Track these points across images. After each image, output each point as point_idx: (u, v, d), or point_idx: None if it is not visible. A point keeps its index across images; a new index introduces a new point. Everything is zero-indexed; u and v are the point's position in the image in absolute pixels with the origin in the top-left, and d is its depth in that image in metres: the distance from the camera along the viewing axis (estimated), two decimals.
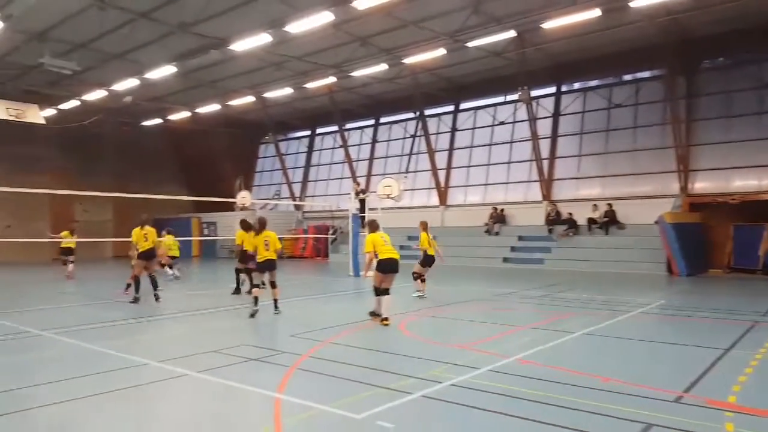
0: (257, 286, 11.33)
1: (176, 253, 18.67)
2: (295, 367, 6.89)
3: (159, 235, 14.85)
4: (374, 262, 10.28)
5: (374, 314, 10.27)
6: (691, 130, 21.93)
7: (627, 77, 24.38)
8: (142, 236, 13.08)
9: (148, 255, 13.21)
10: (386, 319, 9.90)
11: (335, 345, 8.29)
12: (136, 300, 12.87)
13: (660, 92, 22.80)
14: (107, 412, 5.50)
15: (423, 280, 13.61)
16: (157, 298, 12.94)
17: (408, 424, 5.04)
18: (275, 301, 11.28)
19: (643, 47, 21.57)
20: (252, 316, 10.84)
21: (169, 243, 19.07)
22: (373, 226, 10.66)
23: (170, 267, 18.42)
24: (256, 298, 11.10)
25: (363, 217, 20.44)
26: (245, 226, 14.12)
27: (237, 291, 14.33)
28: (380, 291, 10.08)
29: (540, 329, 9.34)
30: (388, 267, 10.13)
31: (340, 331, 9.44)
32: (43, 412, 5.47)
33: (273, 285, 11.35)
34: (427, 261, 13.52)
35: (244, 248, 13.74)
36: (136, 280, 13.04)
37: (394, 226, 26.73)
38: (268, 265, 11.22)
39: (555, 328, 9.39)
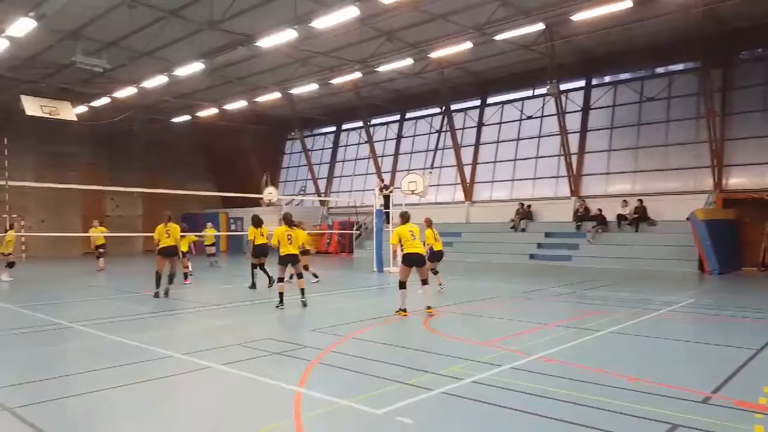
0: (281, 280, 11.41)
1: (185, 248, 17.54)
2: (317, 362, 6.90)
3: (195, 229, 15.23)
4: (399, 256, 10.37)
5: (400, 311, 10.30)
6: (726, 124, 21.43)
7: (660, 70, 23.89)
8: (165, 233, 13.15)
9: (169, 252, 13.24)
10: (430, 308, 10.37)
11: (357, 340, 8.28)
12: (156, 295, 12.94)
13: (694, 85, 22.31)
14: (133, 403, 5.58)
15: (436, 272, 13.71)
16: (166, 293, 13.03)
17: (428, 420, 5.00)
18: (302, 290, 11.48)
19: (677, 39, 21.12)
20: (278, 308, 11.06)
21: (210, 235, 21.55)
22: (405, 218, 10.76)
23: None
24: (281, 295, 11.22)
25: (387, 213, 20.45)
26: (256, 222, 14.35)
27: (253, 286, 14.57)
28: (405, 285, 10.28)
29: (565, 327, 9.19)
30: (412, 261, 10.30)
31: (362, 326, 9.43)
32: (77, 401, 5.59)
33: (299, 276, 11.58)
34: (435, 256, 13.61)
35: (255, 243, 14.28)
36: (158, 276, 13.07)
37: (418, 222, 26.78)
38: (290, 260, 11.34)
39: (581, 326, 9.25)
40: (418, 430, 4.76)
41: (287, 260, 11.33)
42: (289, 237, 11.28)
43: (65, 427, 4.95)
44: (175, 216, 13.72)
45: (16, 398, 5.58)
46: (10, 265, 17.35)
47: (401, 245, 10.38)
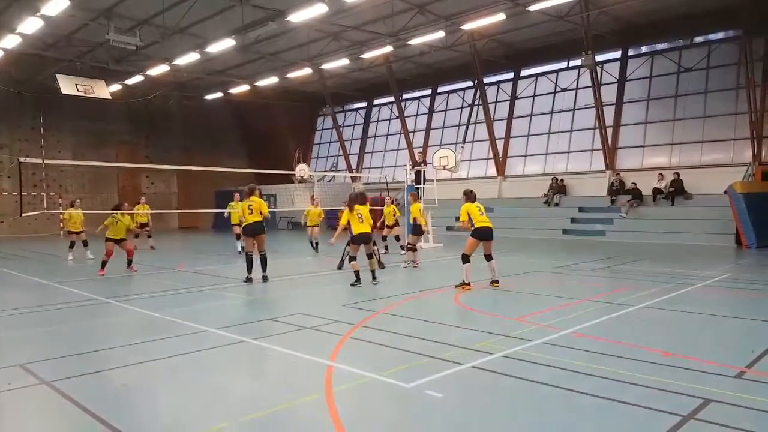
0: (354, 258, 11.35)
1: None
2: (348, 336, 6.98)
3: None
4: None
5: (464, 284, 10.44)
6: (767, 95, 20.70)
7: (698, 39, 23.15)
8: (247, 209, 11.62)
9: (254, 230, 11.66)
10: (497, 281, 10.70)
11: (388, 315, 8.35)
12: (249, 280, 11.64)
13: (734, 55, 21.57)
14: (168, 377, 5.75)
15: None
16: (264, 279, 11.78)
17: (456, 393, 5.04)
18: (373, 272, 11.57)
19: (717, 7, 20.42)
20: (353, 285, 11.08)
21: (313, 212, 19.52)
22: (471, 197, 10.87)
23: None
24: (357, 273, 11.14)
25: (418, 189, 20.38)
26: (354, 204, 13.84)
27: (340, 266, 13.99)
28: (469, 258, 10.54)
29: (598, 302, 9.11)
30: (483, 234, 10.55)
31: (393, 301, 9.50)
32: (113, 375, 5.76)
33: (369, 257, 11.67)
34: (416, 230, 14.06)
35: (355, 232, 13.65)
36: (248, 258, 11.80)
37: (450, 198, 26.69)
38: (363, 238, 11.40)
39: (614, 301, 9.14)
40: (448, 403, 4.79)
41: (361, 239, 11.37)
42: (360, 216, 11.33)
43: (103, 400, 5.05)
44: (253, 191, 12.03)
45: (54, 372, 5.72)
46: (73, 244, 17.71)
47: (471, 221, 10.53)
